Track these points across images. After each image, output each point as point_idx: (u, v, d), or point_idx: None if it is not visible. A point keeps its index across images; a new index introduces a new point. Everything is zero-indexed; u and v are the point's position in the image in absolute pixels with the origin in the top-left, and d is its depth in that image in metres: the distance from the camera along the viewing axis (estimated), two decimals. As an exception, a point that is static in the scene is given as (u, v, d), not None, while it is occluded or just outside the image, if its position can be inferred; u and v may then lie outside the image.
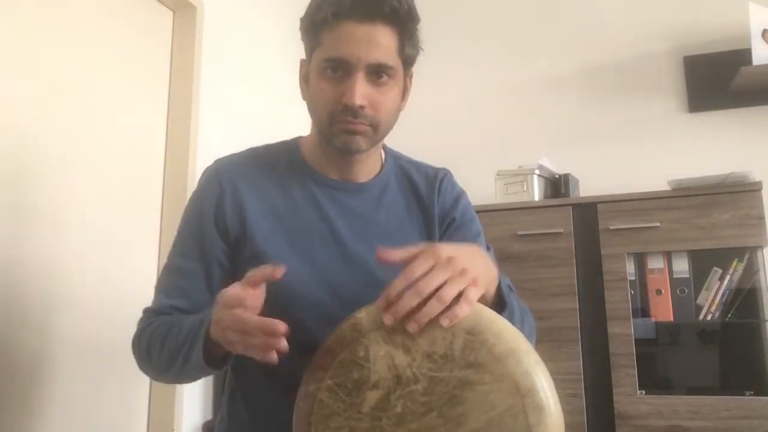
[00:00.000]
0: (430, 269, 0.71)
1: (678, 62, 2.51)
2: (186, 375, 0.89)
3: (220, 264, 0.94)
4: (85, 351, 1.53)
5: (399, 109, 0.96)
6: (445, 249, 0.73)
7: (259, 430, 0.94)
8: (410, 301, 0.69)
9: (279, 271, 0.74)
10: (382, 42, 0.87)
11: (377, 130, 0.91)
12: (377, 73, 0.88)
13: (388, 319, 0.70)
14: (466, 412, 0.68)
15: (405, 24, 0.89)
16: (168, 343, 0.86)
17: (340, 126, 0.88)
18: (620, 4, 2.63)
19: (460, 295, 0.70)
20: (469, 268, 0.72)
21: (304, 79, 0.97)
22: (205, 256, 0.94)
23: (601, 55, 2.63)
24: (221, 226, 0.94)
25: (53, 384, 1.45)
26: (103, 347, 1.58)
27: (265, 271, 0.74)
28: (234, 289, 0.74)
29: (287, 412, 0.77)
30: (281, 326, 0.69)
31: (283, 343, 0.69)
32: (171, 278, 0.96)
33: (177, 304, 0.93)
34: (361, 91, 0.86)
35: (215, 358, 0.81)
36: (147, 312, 0.96)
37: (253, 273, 0.75)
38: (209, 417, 1.90)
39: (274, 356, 0.70)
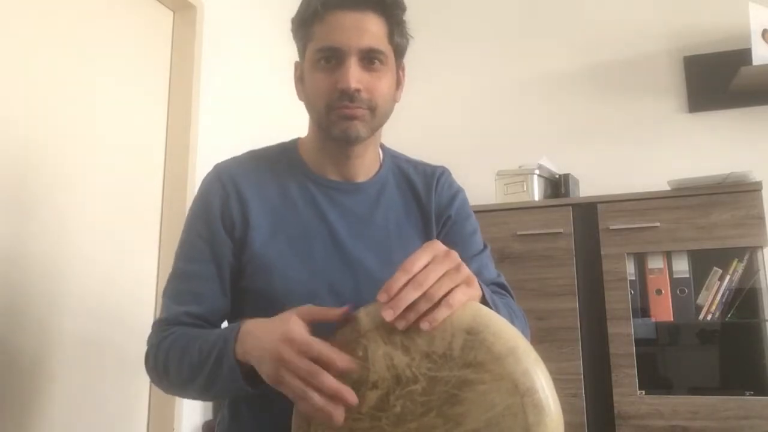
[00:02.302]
0: (429, 262, 0.71)
1: (678, 62, 2.51)
2: (212, 392, 0.86)
3: (230, 265, 0.94)
4: (85, 351, 1.53)
5: (394, 99, 0.97)
6: (443, 246, 0.74)
7: (260, 430, 0.93)
8: (409, 295, 0.69)
9: (345, 313, 0.74)
10: (371, 29, 0.89)
11: (374, 114, 0.92)
12: (369, 58, 0.89)
13: (388, 315, 0.69)
14: (466, 411, 0.68)
15: (392, 11, 0.92)
16: (189, 357, 0.83)
17: (338, 112, 0.89)
18: (620, 4, 2.63)
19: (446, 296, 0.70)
20: (464, 265, 0.73)
21: (299, 80, 0.99)
22: (216, 257, 0.93)
23: (601, 55, 2.63)
24: (228, 227, 0.94)
25: (53, 384, 1.45)
26: (104, 347, 1.58)
27: (333, 312, 0.75)
28: (303, 332, 0.72)
29: (287, 412, 0.77)
30: (352, 398, 0.69)
31: (340, 414, 0.68)
32: (181, 284, 0.94)
33: (190, 310, 0.91)
34: (355, 75, 0.88)
35: (246, 376, 0.78)
36: (158, 324, 0.93)
37: (319, 311, 0.75)
38: (209, 417, 1.90)
39: (339, 415, 0.69)
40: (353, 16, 0.88)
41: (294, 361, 0.69)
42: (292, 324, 0.72)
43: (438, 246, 0.73)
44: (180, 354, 0.84)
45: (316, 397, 0.68)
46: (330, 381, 0.68)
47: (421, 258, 0.71)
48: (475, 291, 0.75)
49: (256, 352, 0.74)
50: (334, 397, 0.68)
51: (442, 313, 0.69)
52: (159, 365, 0.88)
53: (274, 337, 0.72)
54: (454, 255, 0.73)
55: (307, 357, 0.69)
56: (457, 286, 0.71)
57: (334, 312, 0.75)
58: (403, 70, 0.99)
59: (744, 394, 1.90)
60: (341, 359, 0.70)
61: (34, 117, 1.44)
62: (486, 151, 2.65)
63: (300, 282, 0.92)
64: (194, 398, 0.96)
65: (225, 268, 0.94)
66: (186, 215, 1.00)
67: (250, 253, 0.93)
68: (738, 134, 2.38)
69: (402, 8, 0.93)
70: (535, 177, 2.30)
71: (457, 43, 2.84)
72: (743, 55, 2.26)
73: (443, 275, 0.70)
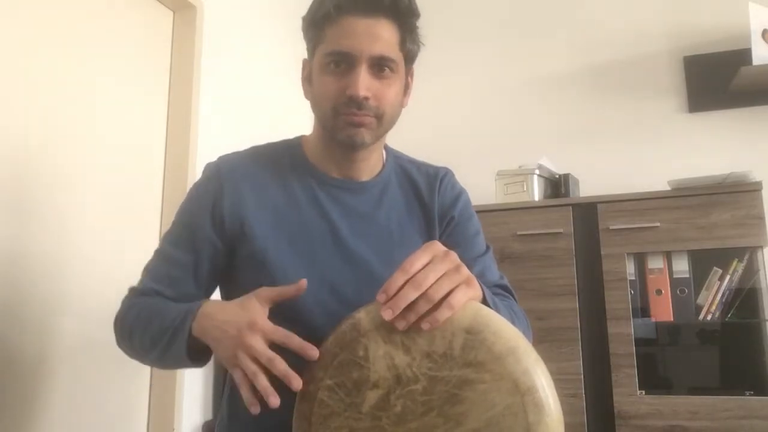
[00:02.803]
0: (429, 263, 0.71)
1: (678, 62, 2.51)
2: (166, 363, 0.92)
3: (210, 260, 0.95)
4: (85, 351, 1.53)
5: (401, 104, 0.97)
6: (443, 246, 0.75)
7: (260, 430, 0.93)
8: (408, 294, 0.69)
9: (302, 288, 0.78)
10: (384, 35, 0.89)
11: (381, 122, 0.92)
12: (380, 66, 0.89)
13: (387, 314, 0.69)
14: (466, 411, 0.68)
15: (405, 18, 0.91)
16: (151, 328, 0.87)
17: (345, 119, 0.89)
18: (620, 4, 2.63)
19: (446, 296, 0.71)
20: (464, 266, 0.73)
21: (307, 79, 0.98)
22: (196, 250, 0.95)
23: (601, 55, 2.63)
24: (217, 223, 0.94)
25: (53, 384, 1.45)
26: (104, 347, 1.57)
27: (289, 290, 0.79)
28: (266, 319, 0.76)
29: (287, 412, 0.77)
30: (297, 383, 0.72)
31: (274, 403, 0.72)
32: (161, 264, 0.97)
33: (163, 291, 0.94)
34: (364, 83, 0.87)
35: (195, 352, 0.83)
36: (133, 291, 0.97)
37: (277, 291, 0.79)
38: (209, 417, 1.90)
39: (256, 407, 0.74)
40: (366, 21, 0.88)
41: (257, 347, 0.73)
42: (255, 312, 0.76)
43: (437, 246, 0.74)
44: (144, 323, 0.88)
45: (262, 379, 0.72)
46: (282, 366, 0.72)
47: (420, 258, 0.71)
48: (475, 291, 0.75)
49: (214, 332, 0.78)
50: (282, 379, 0.72)
51: (443, 314, 0.70)
52: (125, 329, 0.92)
53: (239, 323, 0.75)
54: (454, 255, 0.73)
55: (269, 343, 0.74)
56: (457, 287, 0.71)
57: (289, 289, 0.79)
58: (411, 75, 0.99)
59: (744, 394, 1.90)
60: (309, 347, 0.73)
61: (34, 117, 1.44)
62: (486, 151, 2.65)
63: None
64: (154, 366, 1.01)
65: (203, 262, 0.95)
66: (184, 197, 1.02)
67: (248, 249, 0.93)
68: (738, 134, 2.38)
69: (416, 15, 0.93)
70: (535, 177, 2.30)
71: (457, 43, 2.84)
72: (743, 55, 2.26)
73: (443, 275, 0.71)
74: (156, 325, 0.86)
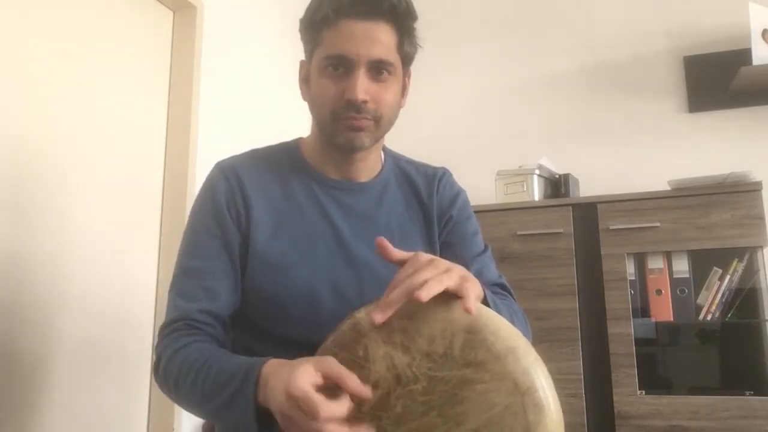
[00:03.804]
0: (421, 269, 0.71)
1: (678, 62, 2.51)
2: (222, 423, 0.86)
3: (240, 258, 0.93)
4: (85, 351, 1.53)
5: (399, 106, 0.97)
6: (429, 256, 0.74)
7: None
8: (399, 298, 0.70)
9: (364, 394, 0.70)
10: (382, 39, 0.88)
11: (379, 125, 0.92)
12: (378, 69, 0.89)
13: (378, 318, 0.70)
14: (466, 411, 0.68)
15: (403, 21, 0.91)
16: (202, 382, 0.80)
17: (345, 123, 0.89)
18: (620, 4, 2.63)
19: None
20: (453, 268, 0.73)
21: (304, 80, 0.98)
22: (228, 251, 0.92)
23: (601, 55, 2.63)
24: (236, 221, 0.93)
25: (53, 384, 1.45)
26: (104, 347, 1.58)
27: (353, 384, 0.69)
28: (305, 386, 0.66)
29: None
30: None
31: None
32: (191, 281, 0.92)
33: (203, 307, 0.89)
34: (363, 87, 0.87)
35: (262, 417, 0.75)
36: (167, 328, 0.90)
37: (338, 373, 0.69)
38: (209, 417, 1.90)
39: None
40: (364, 25, 0.87)
41: (296, 418, 0.67)
42: (295, 378, 0.67)
43: (443, 262, 0.73)
44: (194, 376, 0.81)
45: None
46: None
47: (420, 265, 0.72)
48: (478, 288, 0.75)
49: (271, 403, 0.71)
50: None
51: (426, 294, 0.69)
52: (170, 380, 0.85)
53: (281, 389, 0.68)
54: (440, 262, 0.73)
55: (309, 413, 0.65)
56: (437, 276, 0.70)
57: (351, 383, 0.69)
58: (408, 76, 0.99)
59: (744, 394, 1.90)
60: (341, 411, 0.67)
61: (34, 117, 1.44)
62: (486, 151, 2.65)
63: (303, 281, 0.92)
64: (207, 419, 0.95)
65: (236, 262, 0.93)
66: (189, 213, 0.99)
67: (251, 251, 0.92)
68: (738, 134, 2.38)
69: (414, 18, 0.92)
70: (535, 177, 2.30)
71: (458, 43, 2.84)
72: (743, 55, 2.26)
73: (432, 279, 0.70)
74: (209, 381, 0.79)
